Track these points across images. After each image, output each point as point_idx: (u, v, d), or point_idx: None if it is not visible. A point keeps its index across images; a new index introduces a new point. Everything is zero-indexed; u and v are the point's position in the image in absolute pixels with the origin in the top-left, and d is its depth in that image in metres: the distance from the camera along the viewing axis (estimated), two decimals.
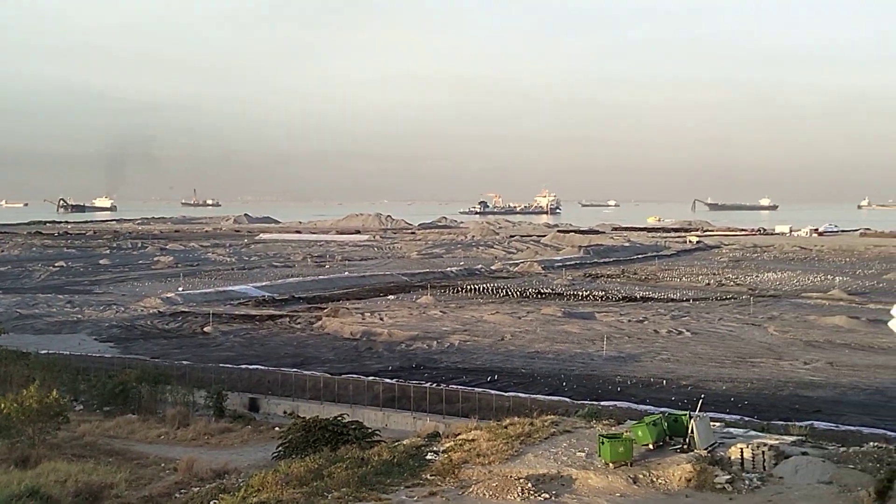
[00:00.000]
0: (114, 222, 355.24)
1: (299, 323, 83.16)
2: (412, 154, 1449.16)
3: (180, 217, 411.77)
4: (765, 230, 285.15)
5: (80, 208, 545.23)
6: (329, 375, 53.57)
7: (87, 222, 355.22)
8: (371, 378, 52.71)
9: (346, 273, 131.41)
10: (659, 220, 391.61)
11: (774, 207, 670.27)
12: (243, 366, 58.04)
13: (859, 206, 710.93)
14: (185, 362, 58.86)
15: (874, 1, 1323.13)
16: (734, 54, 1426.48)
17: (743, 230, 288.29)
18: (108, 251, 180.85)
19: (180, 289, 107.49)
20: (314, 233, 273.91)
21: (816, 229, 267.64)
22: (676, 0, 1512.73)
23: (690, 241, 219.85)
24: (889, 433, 39.40)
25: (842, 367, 61.23)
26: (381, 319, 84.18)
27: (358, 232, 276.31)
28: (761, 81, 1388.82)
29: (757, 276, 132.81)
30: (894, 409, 48.50)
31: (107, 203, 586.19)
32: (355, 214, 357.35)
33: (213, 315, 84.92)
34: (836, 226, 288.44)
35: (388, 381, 51.85)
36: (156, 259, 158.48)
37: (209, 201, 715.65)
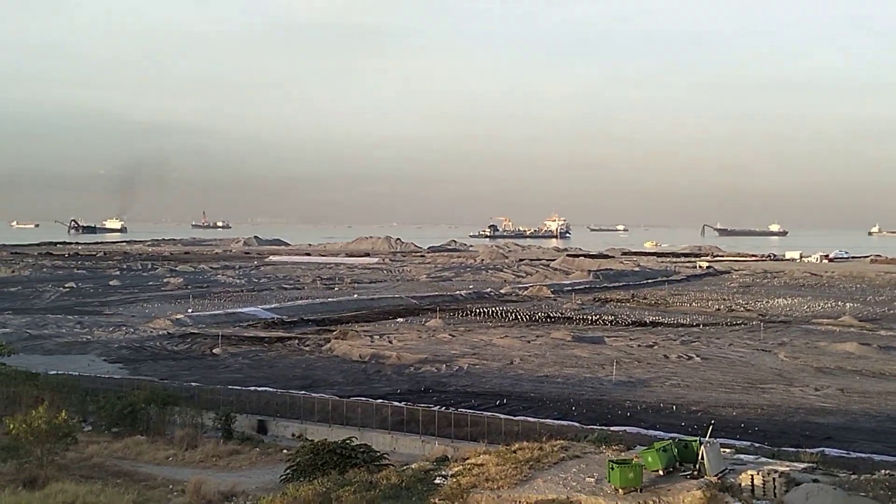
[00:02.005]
0: (124, 243, 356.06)
1: (308, 345, 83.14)
2: (422, 177, 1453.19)
3: (190, 239, 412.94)
4: (775, 256, 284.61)
5: (91, 229, 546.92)
6: (337, 398, 53.46)
7: (97, 243, 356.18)
8: (379, 401, 52.57)
9: (356, 295, 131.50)
10: (657, 246, 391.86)
11: (784, 233, 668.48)
12: (252, 388, 57.93)
13: (870, 233, 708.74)
14: (193, 384, 58.85)
15: (884, 28, 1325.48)
16: (744, 82, 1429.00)
17: (753, 255, 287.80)
18: (118, 272, 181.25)
19: (190, 310, 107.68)
20: (324, 255, 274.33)
21: (827, 255, 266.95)
22: (688, 27, 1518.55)
23: (700, 267, 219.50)
24: None
25: (853, 393, 60.86)
26: (390, 342, 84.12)
27: (367, 255, 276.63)
28: (771, 108, 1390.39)
29: (767, 302, 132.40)
30: None
31: (117, 224, 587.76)
32: (365, 237, 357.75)
33: (222, 337, 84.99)
34: (846, 252, 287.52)
35: (396, 404, 51.71)
36: (165, 280, 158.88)
37: (219, 223, 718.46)
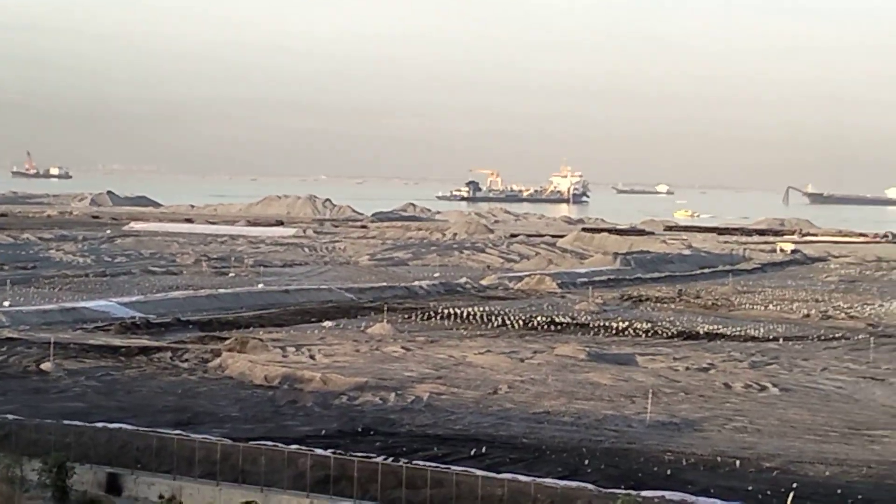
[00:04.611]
0: None
1: (187, 360, 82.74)
2: (368, 106, 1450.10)
3: (9, 194, 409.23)
4: (895, 235, 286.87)
5: None
6: (231, 442, 53.26)
7: None
8: (294, 447, 52.40)
9: (261, 286, 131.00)
10: (693, 216, 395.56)
11: None
12: (100, 424, 57.50)
13: None
14: (9, 417, 58.35)
15: None
16: None
17: (862, 235, 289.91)
18: None
19: (6, 304, 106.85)
20: (213, 223, 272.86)
21: None
22: None
23: (782, 251, 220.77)
24: None
25: None
26: (313, 358, 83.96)
27: (280, 223, 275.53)
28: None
29: (881, 306, 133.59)
30: None
31: None
32: (276, 196, 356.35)
33: (55, 345, 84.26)
34: None
35: (320, 452, 51.62)
36: None
37: (54, 170, 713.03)
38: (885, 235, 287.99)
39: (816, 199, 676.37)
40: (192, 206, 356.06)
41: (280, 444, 53.45)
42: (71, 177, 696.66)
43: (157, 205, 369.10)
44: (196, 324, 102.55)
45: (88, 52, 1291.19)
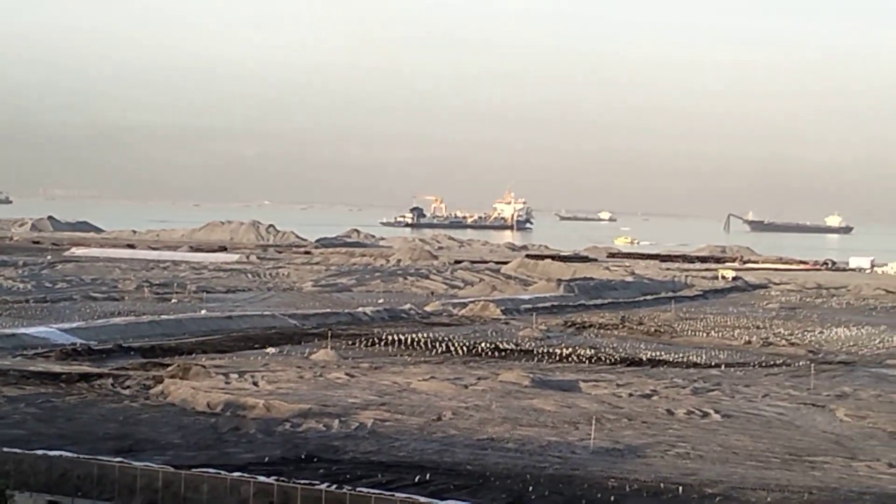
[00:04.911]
0: None
1: (129, 387, 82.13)
2: (310, 133, 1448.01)
3: None
4: (834, 263, 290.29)
5: None
6: (173, 469, 52.84)
7: None
8: (237, 474, 52.16)
9: (203, 312, 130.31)
10: (633, 243, 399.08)
11: (848, 230, 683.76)
12: (40, 451, 56.95)
13: None
14: None
15: None
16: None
17: (802, 262, 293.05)
18: None
19: None
20: (155, 248, 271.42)
21: None
22: None
23: (724, 278, 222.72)
24: None
25: None
26: (256, 384, 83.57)
27: (223, 249, 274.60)
28: (838, 49, 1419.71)
29: (821, 333, 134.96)
30: None
31: None
32: (219, 222, 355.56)
33: None
34: None
35: (263, 479, 51.33)
36: None
37: None
38: (825, 263, 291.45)
39: (757, 226, 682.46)
40: (135, 232, 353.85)
41: (223, 472, 53.14)
42: (11, 202, 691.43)
43: (98, 230, 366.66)
44: (138, 350, 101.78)
45: (28, 77, 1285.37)
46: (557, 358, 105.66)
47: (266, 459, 60.09)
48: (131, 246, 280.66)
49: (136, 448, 62.03)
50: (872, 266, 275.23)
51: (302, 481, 51.73)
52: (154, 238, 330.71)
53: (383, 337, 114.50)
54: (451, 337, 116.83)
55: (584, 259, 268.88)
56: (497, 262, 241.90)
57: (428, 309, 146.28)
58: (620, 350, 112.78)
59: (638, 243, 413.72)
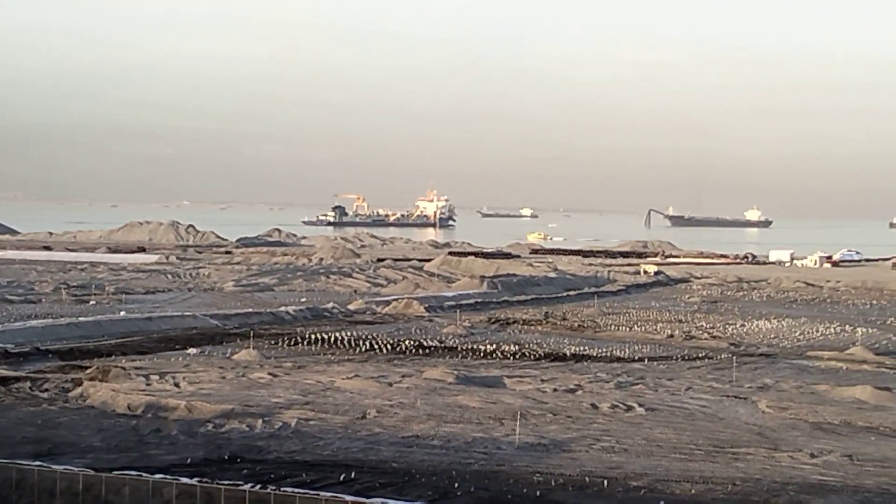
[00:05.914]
0: None
1: (47, 390, 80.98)
2: (228, 133, 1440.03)
3: None
4: (754, 257, 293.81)
5: None
6: (93, 472, 52.17)
7: None
8: (159, 476, 51.57)
9: (123, 313, 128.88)
10: (546, 238, 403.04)
11: (767, 224, 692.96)
12: None
13: (892, 224, 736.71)
14: None
15: None
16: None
17: (723, 256, 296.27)
18: None
19: None
20: (72, 250, 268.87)
21: (830, 257, 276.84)
22: None
23: (646, 273, 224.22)
24: None
25: (865, 461, 62.87)
26: (177, 386, 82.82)
27: (142, 249, 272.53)
28: (754, 47, 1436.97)
29: (743, 326, 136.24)
30: None
31: None
32: (138, 223, 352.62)
33: None
34: (858, 253, 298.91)
35: (185, 481, 50.84)
36: None
37: None
38: (746, 256, 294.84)
39: (677, 221, 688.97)
40: (51, 234, 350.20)
41: (144, 474, 52.56)
42: None
43: (14, 232, 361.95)
44: (56, 353, 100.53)
45: None
46: (482, 354, 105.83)
47: (189, 461, 59.57)
48: (48, 248, 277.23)
49: (56, 451, 61.16)
50: (792, 259, 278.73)
51: (226, 482, 51.32)
52: (71, 239, 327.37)
53: (306, 336, 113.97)
54: (374, 335, 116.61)
55: (507, 256, 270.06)
56: (420, 260, 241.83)
57: (351, 307, 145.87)
58: (544, 346, 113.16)
59: (551, 239, 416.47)
